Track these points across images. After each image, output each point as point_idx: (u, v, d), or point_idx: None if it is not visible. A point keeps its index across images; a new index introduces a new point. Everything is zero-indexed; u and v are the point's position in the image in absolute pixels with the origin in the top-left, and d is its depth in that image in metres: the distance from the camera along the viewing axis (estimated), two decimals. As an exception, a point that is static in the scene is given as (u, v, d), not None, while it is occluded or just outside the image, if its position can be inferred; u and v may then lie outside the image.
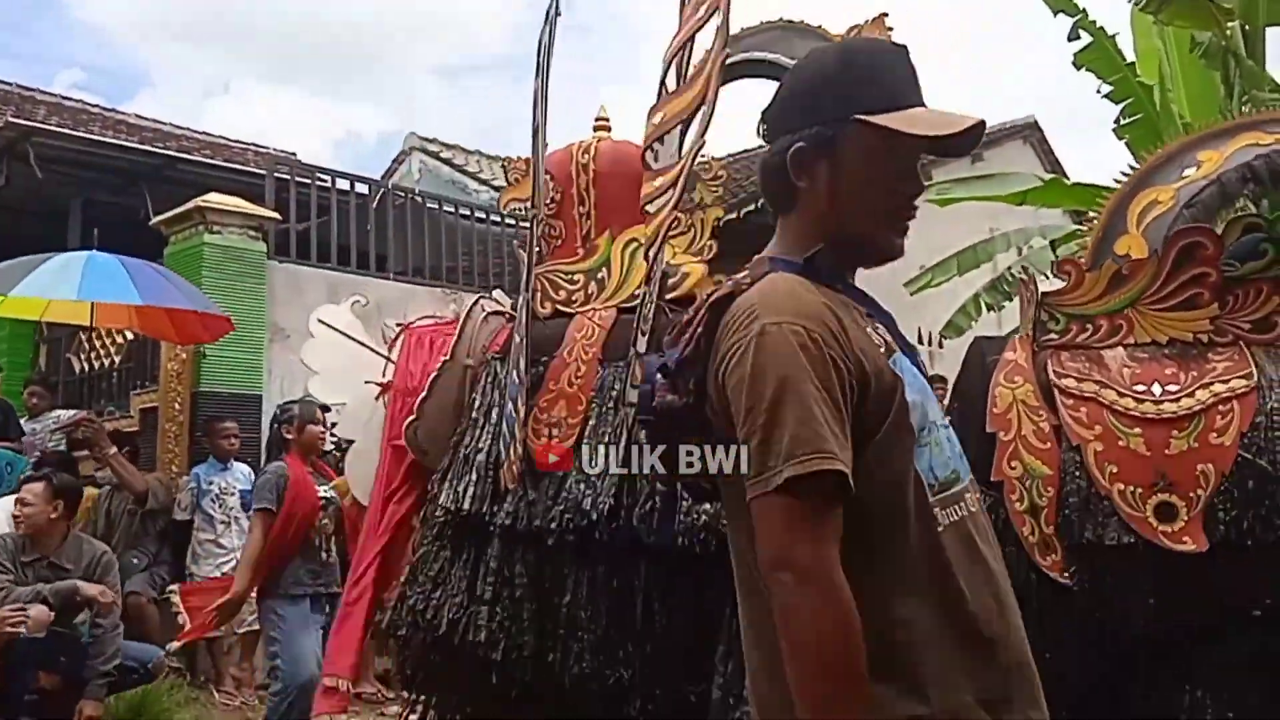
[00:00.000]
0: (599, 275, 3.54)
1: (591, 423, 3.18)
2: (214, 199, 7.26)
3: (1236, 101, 6.49)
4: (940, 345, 10.04)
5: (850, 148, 1.45)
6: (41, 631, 4.48)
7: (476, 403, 3.43)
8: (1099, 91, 7.48)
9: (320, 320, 4.06)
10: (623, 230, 3.57)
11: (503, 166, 3.97)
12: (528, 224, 3.71)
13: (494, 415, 3.36)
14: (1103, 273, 2.95)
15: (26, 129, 8.88)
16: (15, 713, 4.51)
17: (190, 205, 7.23)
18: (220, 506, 6.39)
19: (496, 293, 4.13)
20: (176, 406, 6.99)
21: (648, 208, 2.99)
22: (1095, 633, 2.66)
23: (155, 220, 7.63)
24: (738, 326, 1.36)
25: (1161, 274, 2.85)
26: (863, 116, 1.44)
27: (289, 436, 4.83)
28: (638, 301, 3.30)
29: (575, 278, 3.55)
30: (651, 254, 3.04)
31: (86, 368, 8.29)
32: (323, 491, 4.78)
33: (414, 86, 57.45)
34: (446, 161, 12.53)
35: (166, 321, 6.26)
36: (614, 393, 3.21)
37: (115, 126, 10.74)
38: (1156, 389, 2.74)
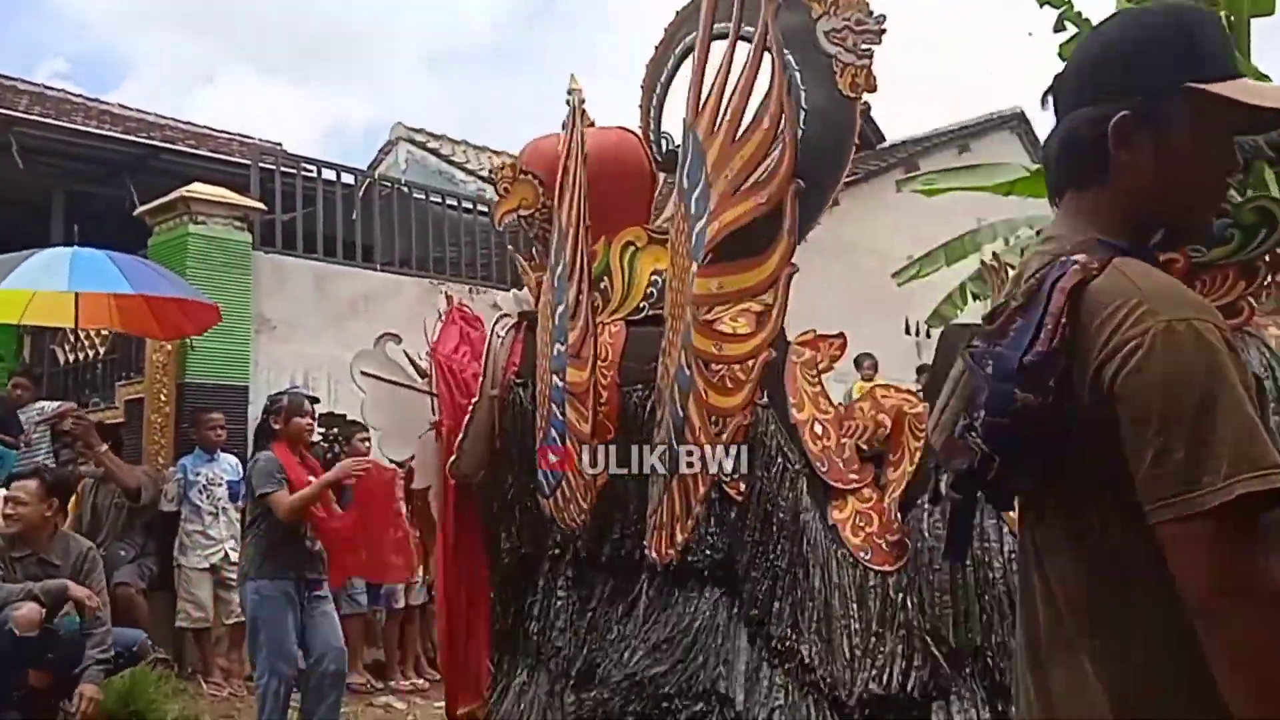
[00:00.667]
0: (601, 285, 3.52)
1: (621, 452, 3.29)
2: (199, 189, 7.22)
3: (1221, 92, 6.51)
4: (928, 335, 10.07)
5: (1181, 119, 1.33)
6: (33, 631, 4.47)
7: (509, 434, 3.58)
8: (1085, 82, 7.48)
9: (364, 372, 4.09)
10: (617, 233, 3.54)
11: (490, 178, 3.98)
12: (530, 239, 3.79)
13: (527, 445, 3.51)
14: None
15: (8, 119, 8.82)
16: (3, 709, 4.50)
17: (175, 196, 7.18)
18: (208, 498, 6.37)
19: (505, 296, 4.16)
20: (162, 398, 6.96)
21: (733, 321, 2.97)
22: None
23: (139, 211, 7.58)
24: (1126, 320, 1.22)
25: None
26: (1199, 85, 1.32)
27: (276, 426, 4.85)
28: (644, 314, 3.40)
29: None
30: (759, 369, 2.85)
31: (71, 359, 8.24)
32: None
33: (402, 76, 57.13)
34: (433, 152, 12.48)
35: (149, 316, 6.22)
36: (637, 421, 3.29)
37: (99, 116, 10.67)
38: None
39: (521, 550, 3.52)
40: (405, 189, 8.93)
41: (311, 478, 4.80)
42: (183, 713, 5.19)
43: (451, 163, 12.24)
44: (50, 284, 5.76)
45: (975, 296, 8.51)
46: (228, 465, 6.54)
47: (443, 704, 6.12)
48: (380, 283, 7.85)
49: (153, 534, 6.42)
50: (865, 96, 3.27)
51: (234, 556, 6.31)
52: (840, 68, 3.36)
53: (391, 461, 4.82)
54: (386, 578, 5.76)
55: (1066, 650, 1.33)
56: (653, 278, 3.45)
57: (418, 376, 4.01)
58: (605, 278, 3.54)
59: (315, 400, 6.56)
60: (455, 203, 9.18)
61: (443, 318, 3.96)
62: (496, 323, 3.78)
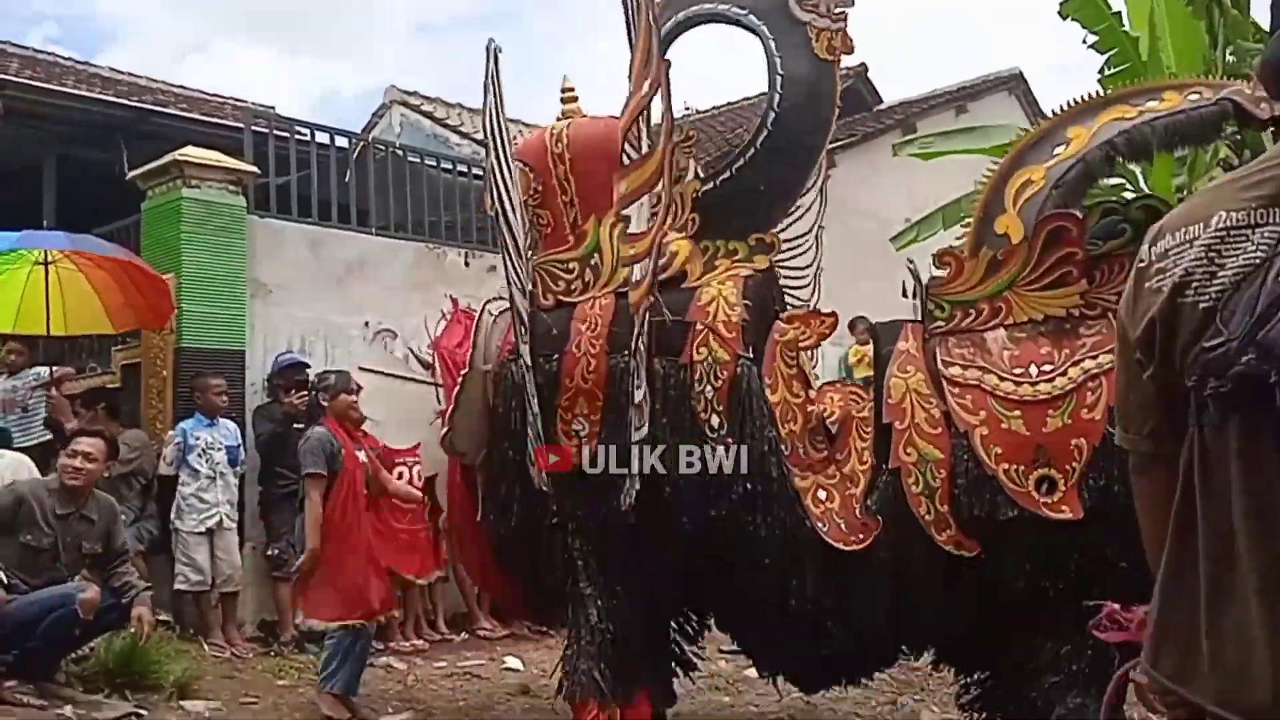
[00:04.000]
0: (592, 262, 3.66)
1: (611, 417, 3.42)
2: (192, 153, 7.15)
3: (1221, 50, 6.47)
4: (924, 298, 10.05)
5: None
6: (92, 614, 4.63)
7: (499, 409, 3.68)
8: (1085, 41, 7.44)
9: (362, 368, 4.39)
10: (606, 212, 3.66)
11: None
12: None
13: (515, 422, 3.62)
14: (980, 260, 3.26)
15: (-2, 82, 8.73)
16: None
17: (167, 159, 7.12)
18: (206, 461, 6.38)
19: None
20: (159, 363, 6.95)
21: (630, 271, 3.37)
22: (985, 591, 3.08)
23: (132, 175, 7.53)
24: None
25: (1033, 257, 3.15)
26: None
27: (324, 403, 5.10)
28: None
29: (571, 266, 3.69)
30: (639, 315, 3.29)
31: (67, 324, 8.20)
32: (361, 457, 5.00)
33: (396, 43, 56.46)
34: (428, 115, 12.39)
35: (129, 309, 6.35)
36: (624, 385, 3.40)
37: (90, 80, 10.56)
38: (1034, 370, 3.03)
39: (514, 522, 3.59)
40: (400, 152, 8.86)
41: (361, 453, 5.00)
42: (185, 674, 5.23)
43: (446, 126, 12.16)
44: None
45: (972, 259, 8.48)
46: (228, 430, 6.55)
47: (444, 663, 6.20)
48: (376, 247, 7.81)
49: (150, 497, 6.46)
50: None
51: (228, 522, 6.37)
52: (815, 33, 3.61)
53: (391, 448, 5.00)
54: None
55: None
56: None
57: (420, 369, 4.15)
58: (596, 254, 3.65)
59: (308, 366, 6.55)
60: (450, 166, 9.11)
61: (447, 317, 4.12)
62: (488, 303, 3.89)
